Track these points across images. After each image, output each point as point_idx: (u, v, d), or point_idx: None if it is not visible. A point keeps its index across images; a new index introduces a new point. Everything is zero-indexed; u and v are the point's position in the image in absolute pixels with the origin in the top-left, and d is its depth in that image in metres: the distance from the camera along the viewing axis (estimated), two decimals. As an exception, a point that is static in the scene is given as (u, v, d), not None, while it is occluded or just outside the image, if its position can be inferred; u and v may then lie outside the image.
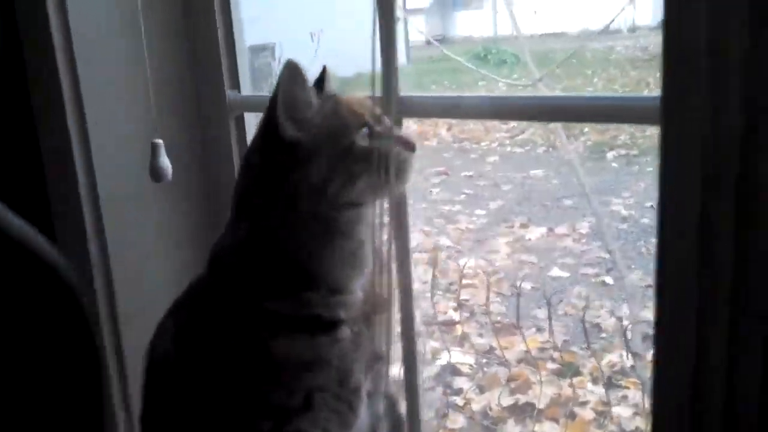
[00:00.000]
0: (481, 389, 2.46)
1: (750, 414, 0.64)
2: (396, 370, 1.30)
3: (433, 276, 2.72)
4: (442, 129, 4.64)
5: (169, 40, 1.40)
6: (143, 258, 1.40)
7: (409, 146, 0.97)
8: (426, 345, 2.65)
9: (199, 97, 1.43)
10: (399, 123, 1.09)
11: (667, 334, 0.69)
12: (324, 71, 1.04)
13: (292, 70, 0.89)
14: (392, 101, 1.06)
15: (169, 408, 1.04)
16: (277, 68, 1.03)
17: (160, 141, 1.23)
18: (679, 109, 0.63)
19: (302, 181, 0.91)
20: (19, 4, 1.35)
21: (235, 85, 1.41)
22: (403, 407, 1.24)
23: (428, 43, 4.80)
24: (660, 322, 0.69)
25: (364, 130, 0.93)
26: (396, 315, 1.09)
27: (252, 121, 1.42)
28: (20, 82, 1.43)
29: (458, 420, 2.33)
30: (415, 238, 3.34)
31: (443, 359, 2.55)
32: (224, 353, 0.97)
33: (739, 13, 0.58)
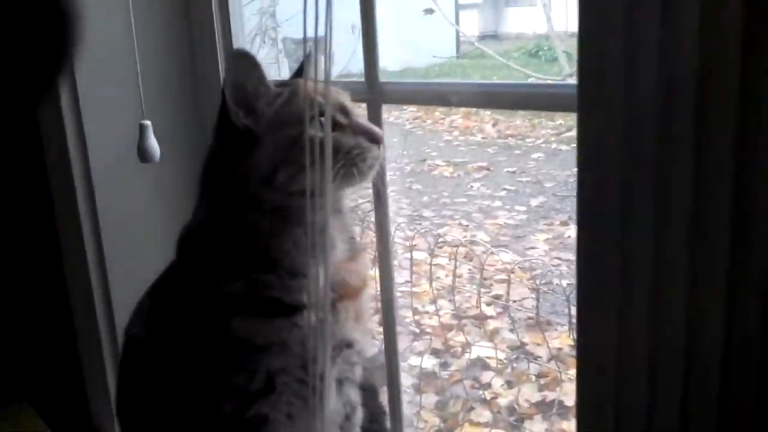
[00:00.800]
0: (510, 384, 2.45)
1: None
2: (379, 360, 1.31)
3: (464, 271, 2.70)
4: (487, 124, 4.60)
5: (167, 26, 1.43)
6: (137, 244, 1.44)
7: (374, 138, 0.95)
8: (458, 337, 2.66)
9: (194, 81, 1.46)
10: (378, 108, 1.07)
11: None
12: (305, 59, 1.03)
13: (240, 60, 0.90)
14: (375, 89, 1.06)
15: (139, 387, 1.07)
16: (320, 60, 1.04)
17: (148, 122, 1.26)
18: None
19: (252, 168, 0.92)
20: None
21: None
22: (384, 398, 1.24)
23: (481, 38, 4.77)
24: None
25: (321, 119, 0.90)
26: (370, 304, 1.09)
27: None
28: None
29: (484, 414, 2.32)
30: (452, 232, 3.34)
31: (473, 353, 2.54)
32: (188, 334, 0.98)
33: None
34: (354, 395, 1.10)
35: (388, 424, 1.25)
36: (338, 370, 1.04)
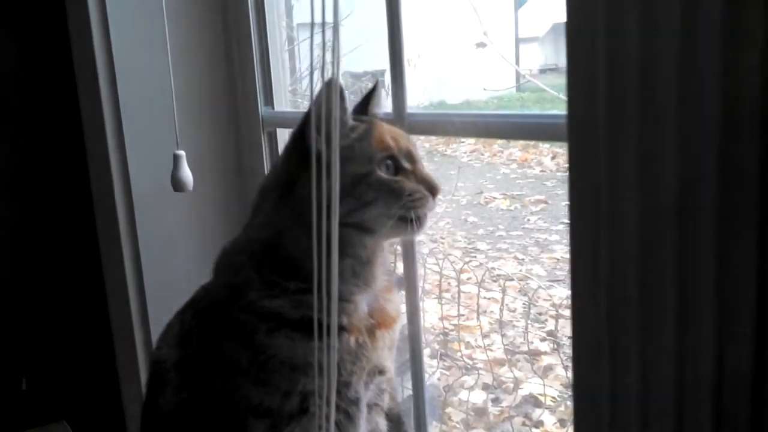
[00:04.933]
0: (562, 423, 2.38)
1: None
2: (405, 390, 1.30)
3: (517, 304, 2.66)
4: (546, 157, 4.54)
5: (206, 57, 1.48)
6: (173, 269, 1.48)
7: (433, 189, 0.99)
8: (510, 373, 2.61)
9: (235, 112, 1.50)
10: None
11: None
12: (371, 92, 1.07)
13: (331, 88, 0.92)
14: (403, 119, 1.08)
15: (165, 410, 1.08)
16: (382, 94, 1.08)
17: (182, 152, 1.29)
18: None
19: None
20: (72, 26, 1.46)
21: (270, 101, 1.47)
22: (410, 428, 1.23)
23: (541, 71, 4.74)
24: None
25: (388, 162, 0.95)
26: (398, 333, 1.11)
27: (284, 137, 1.47)
28: (72, 98, 1.55)
29: (535, 452, 2.27)
30: (507, 266, 3.29)
31: (525, 389, 2.49)
32: (223, 352, 1.00)
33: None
34: (381, 424, 1.12)
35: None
36: (369, 396, 1.06)
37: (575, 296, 0.68)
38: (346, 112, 0.96)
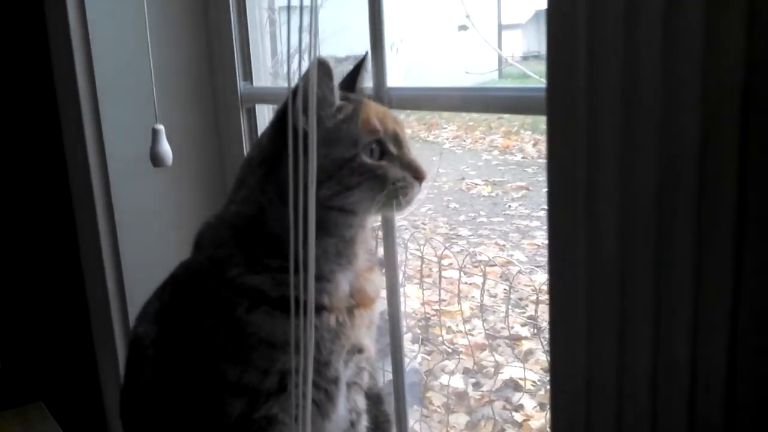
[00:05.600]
0: (542, 407, 2.40)
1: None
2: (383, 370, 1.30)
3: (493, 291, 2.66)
4: (527, 144, 4.55)
5: (185, 33, 1.46)
6: (151, 246, 1.46)
7: (419, 176, 0.97)
8: (490, 358, 2.62)
9: (214, 87, 1.48)
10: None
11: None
12: (360, 65, 1.05)
13: (320, 67, 0.90)
14: (383, 95, 1.06)
15: (144, 388, 1.07)
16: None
17: (161, 126, 1.27)
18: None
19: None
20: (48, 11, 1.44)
21: (248, 77, 1.45)
22: (390, 407, 1.23)
23: (524, 58, 4.74)
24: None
25: (374, 145, 0.93)
26: (378, 315, 1.11)
27: (263, 113, 1.46)
28: (46, 70, 1.53)
29: (515, 436, 2.28)
30: (488, 251, 3.30)
31: (505, 374, 2.50)
32: (203, 330, 0.99)
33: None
34: (360, 402, 1.12)
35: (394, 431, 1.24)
36: (348, 375, 1.06)
37: (552, 278, 0.68)
38: (333, 92, 0.94)
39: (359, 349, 1.05)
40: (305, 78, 0.88)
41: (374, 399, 1.17)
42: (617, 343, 0.63)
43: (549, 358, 0.70)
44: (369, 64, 1.06)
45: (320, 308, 0.97)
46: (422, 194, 0.99)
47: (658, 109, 0.55)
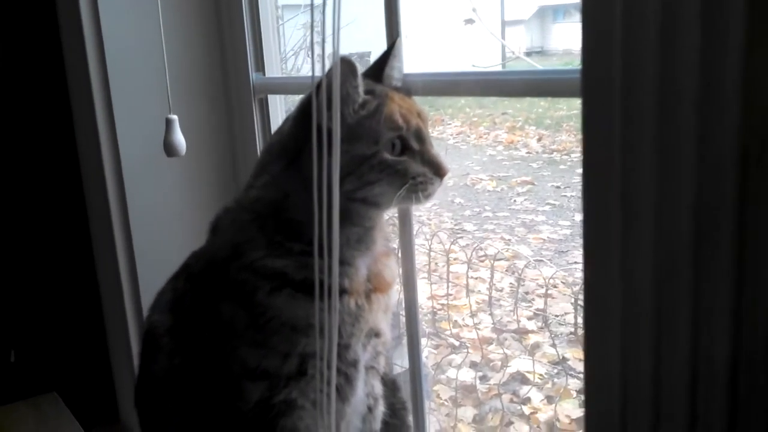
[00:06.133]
0: (550, 400, 2.40)
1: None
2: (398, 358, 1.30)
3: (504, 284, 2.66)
4: (531, 139, 4.56)
5: (198, 23, 1.46)
6: (164, 235, 1.46)
7: (439, 172, 0.97)
8: (498, 352, 2.63)
9: (226, 78, 1.48)
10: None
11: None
12: (388, 52, 1.04)
13: (345, 66, 0.90)
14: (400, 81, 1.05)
15: (160, 376, 1.07)
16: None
17: (175, 117, 1.27)
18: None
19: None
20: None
21: (261, 68, 1.46)
22: (406, 393, 1.24)
23: (527, 54, 4.75)
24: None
25: (396, 141, 0.94)
26: (395, 300, 1.12)
27: (275, 103, 1.46)
28: (58, 62, 1.53)
29: (522, 429, 2.28)
30: (494, 246, 3.30)
31: (513, 367, 2.50)
32: (218, 315, 0.99)
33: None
34: (377, 387, 1.12)
35: (410, 419, 1.24)
36: (366, 358, 1.06)
37: (588, 268, 0.66)
38: (357, 90, 0.94)
39: (376, 333, 1.06)
40: (328, 74, 0.88)
41: (390, 385, 1.17)
42: (652, 343, 0.62)
43: (584, 360, 0.69)
44: (400, 52, 1.06)
45: (341, 292, 0.97)
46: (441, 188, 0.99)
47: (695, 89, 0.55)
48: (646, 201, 0.60)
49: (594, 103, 0.62)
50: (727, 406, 0.59)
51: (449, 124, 4.77)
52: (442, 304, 2.84)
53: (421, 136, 0.97)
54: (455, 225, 3.72)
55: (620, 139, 0.61)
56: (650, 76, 0.57)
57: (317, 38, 0.84)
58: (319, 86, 0.87)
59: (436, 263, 2.90)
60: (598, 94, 0.61)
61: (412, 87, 1.08)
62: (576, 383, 2.43)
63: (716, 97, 0.54)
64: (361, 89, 0.94)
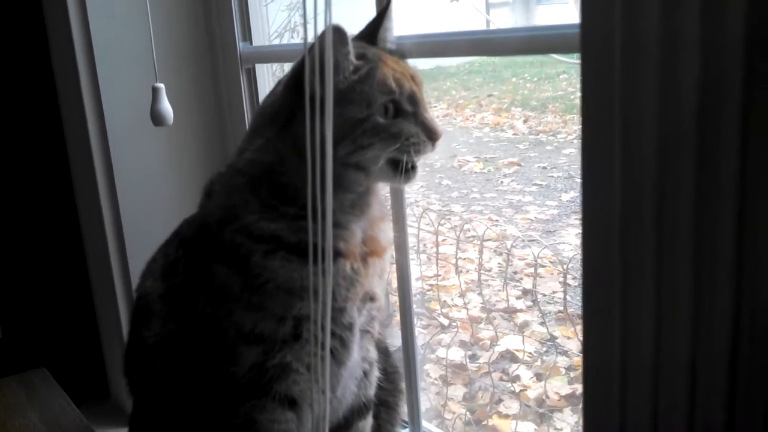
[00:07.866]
0: (539, 377, 2.41)
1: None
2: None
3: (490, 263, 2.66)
4: (518, 121, 4.57)
5: None
6: (152, 205, 1.44)
7: (433, 135, 0.97)
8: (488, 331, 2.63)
9: (212, 48, 1.46)
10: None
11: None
12: (382, 14, 1.03)
13: (335, 34, 0.88)
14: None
15: (151, 343, 1.06)
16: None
17: (161, 85, 1.25)
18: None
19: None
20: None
21: (247, 37, 1.44)
22: (398, 360, 1.24)
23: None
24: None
25: (389, 105, 0.93)
26: (389, 265, 1.11)
27: (263, 72, 1.45)
28: (41, 35, 1.50)
29: (512, 406, 2.29)
30: (482, 227, 3.31)
31: (502, 345, 2.51)
32: (212, 280, 0.98)
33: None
34: (372, 351, 1.12)
35: (403, 384, 1.24)
36: (361, 322, 1.06)
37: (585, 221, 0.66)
38: (347, 58, 0.93)
39: (371, 297, 1.06)
40: (318, 41, 0.87)
41: (383, 352, 1.17)
42: (653, 331, 0.62)
43: (582, 345, 0.69)
44: (392, 14, 1.04)
45: (336, 254, 0.97)
46: (434, 154, 0.98)
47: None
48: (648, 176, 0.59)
49: (593, 57, 0.61)
50: (727, 391, 0.59)
51: (435, 106, 4.76)
52: (431, 285, 2.84)
53: (414, 100, 0.96)
54: (443, 206, 3.72)
55: (620, 96, 0.60)
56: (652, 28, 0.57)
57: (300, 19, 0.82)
58: (311, 52, 0.86)
59: (424, 244, 2.90)
60: (598, 48, 0.61)
61: (405, 49, 1.07)
62: (565, 361, 2.45)
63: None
64: (352, 56, 0.93)
